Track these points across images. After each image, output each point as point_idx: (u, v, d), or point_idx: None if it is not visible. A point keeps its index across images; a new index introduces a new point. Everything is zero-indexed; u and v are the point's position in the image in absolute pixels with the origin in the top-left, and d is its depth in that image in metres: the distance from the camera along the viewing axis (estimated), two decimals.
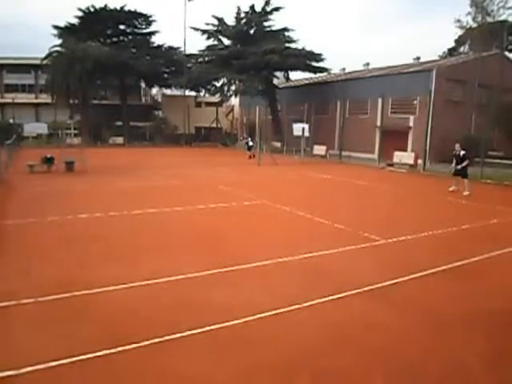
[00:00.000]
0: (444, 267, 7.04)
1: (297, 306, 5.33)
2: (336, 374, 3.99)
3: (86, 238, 8.48)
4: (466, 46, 45.84)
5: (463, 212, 12.51)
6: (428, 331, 4.90)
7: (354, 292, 5.86)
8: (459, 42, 47.00)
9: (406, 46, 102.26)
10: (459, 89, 30.35)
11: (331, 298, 5.66)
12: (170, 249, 7.94)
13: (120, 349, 4.24)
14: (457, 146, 15.97)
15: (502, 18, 33.36)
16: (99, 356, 4.11)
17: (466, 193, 15.28)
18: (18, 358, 4.05)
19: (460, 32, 42.02)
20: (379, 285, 6.15)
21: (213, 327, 4.73)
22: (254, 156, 29.00)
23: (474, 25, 33.80)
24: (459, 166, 15.66)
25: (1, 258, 7.07)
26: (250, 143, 31.38)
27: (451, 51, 48.28)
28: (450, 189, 16.02)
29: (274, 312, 5.15)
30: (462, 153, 15.66)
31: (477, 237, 9.50)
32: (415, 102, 30.84)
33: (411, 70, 32.85)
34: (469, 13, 33.54)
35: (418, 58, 38.04)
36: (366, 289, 5.99)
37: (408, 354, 4.40)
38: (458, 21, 35.06)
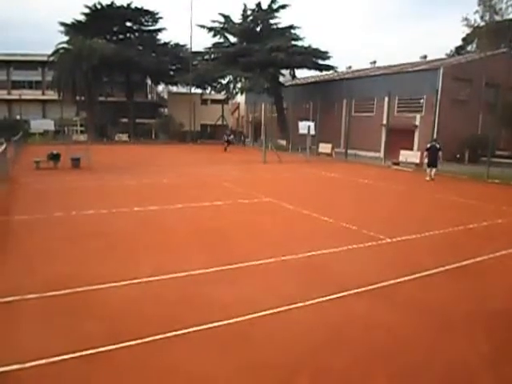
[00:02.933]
0: (448, 267, 7.01)
1: (299, 305, 5.33)
2: (337, 373, 3.99)
3: (89, 234, 8.52)
4: (474, 45, 45.53)
5: (469, 211, 12.44)
6: (431, 331, 4.89)
7: (356, 291, 5.85)
8: (467, 40, 46.67)
9: (413, 45, 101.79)
10: (466, 88, 30.14)
11: (334, 296, 5.65)
12: (173, 246, 7.96)
13: (122, 345, 4.27)
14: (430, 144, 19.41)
15: (511, 16, 33.05)
16: (102, 351, 4.14)
17: (428, 178, 18.73)
18: (22, 352, 4.10)
19: (468, 30, 41.71)
20: (382, 284, 6.14)
21: (214, 324, 4.75)
22: (225, 150, 33.98)
23: (482, 23, 33.50)
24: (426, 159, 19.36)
25: (6, 254, 7.13)
26: (230, 137, 36.63)
27: (458, 50, 47.98)
28: (428, 178, 18.73)
29: (275, 310, 5.16)
30: (429, 145, 19.13)
31: (482, 236, 9.45)
32: (422, 100, 30.68)
33: (418, 68, 32.69)
34: (477, 11, 33.25)
35: (425, 57, 37.87)
36: (369, 288, 5.97)
37: (410, 353, 4.40)
38: (466, 19, 34.73)
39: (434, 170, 18.98)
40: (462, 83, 29.77)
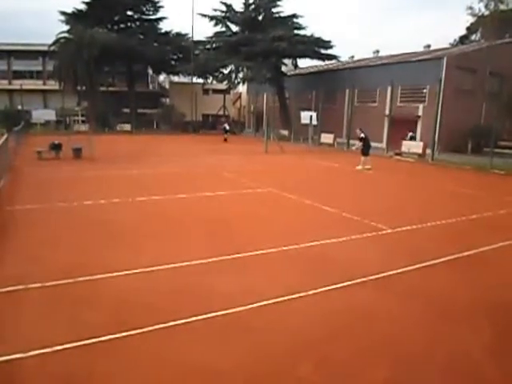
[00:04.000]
0: (450, 257, 6.99)
1: (301, 295, 5.33)
2: (339, 363, 3.99)
3: (92, 224, 8.52)
4: (478, 34, 45.14)
5: (471, 202, 12.40)
6: (433, 321, 4.88)
7: (359, 281, 5.84)
8: (471, 29, 46.30)
9: (417, 35, 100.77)
10: (470, 77, 29.92)
11: (336, 286, 5.64)
12: (175, 236, 7.95)
13: (124, 334, 4.28)
14: (357, 131, 19.74)
15: None
16: (103, 341, 4.15)
17: (359, 167, 18.64)
18: (25, 341, 4.11)
19: (472, 19, 41.32)
20: (385, 274, 6.13)
21: (216, 314, 4.75)
22: (225, 140, 33.84)
23: (487, 12, 33.17)
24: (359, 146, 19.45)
25: (9, 243, 7.14)
26: (227, 127, 36.05)
27: (462, 39, 47.59)
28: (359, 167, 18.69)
29: (277, 300, 5.16)
30: (362, 136, 19.09)
31: (484, 227, 9.41)
32: (425, 90, 30.48)
33: (421, 58, 32.41)
34: (481, 0, 32.91)
35: (429, 46, 37.53)
36: (371, 278, 5.97)
37: (412, 343, 4.39)
38: (470, 8, 34.44)
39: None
40: (465, 73, 29.54)
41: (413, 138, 27.03)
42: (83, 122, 43.35)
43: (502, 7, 32.91)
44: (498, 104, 22.43)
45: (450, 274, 6.36)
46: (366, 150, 18.96)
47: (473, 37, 46.64)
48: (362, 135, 19.13)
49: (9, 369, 3.75)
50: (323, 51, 39.71)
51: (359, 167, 18.69)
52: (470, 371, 3.97)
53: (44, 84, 51.59)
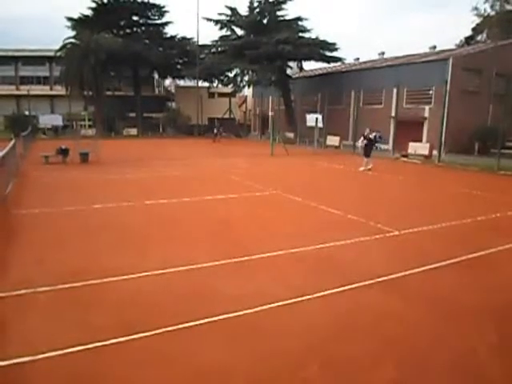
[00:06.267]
0: (457, 259, 6.96)
1: (308, 297, 5.33)
2: (347, 362, 4.00)
3: (99, 227, 8.58)
4: (484, 35, 44.95)
5: (478, 203, 12.33)
6: (439, 322, 4.87)
7: (365, 283, 5.83)
8: (476, 30, 46.09)
9: (423, 36, 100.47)
10: (476, 78, 29.77)
11: (343, 288, 5.64)
12: (183, 239, 7.99)
13: (134, 336, 4.30)
14: (368, 130, 19.38)
15: None
16: (112, 344, 4.18)
17: (361, 168, 18.62)
18: (34, 344, 4.14)
19: (478, 20, 41.15)
20: (391, 276, 6.11)
21: (224, 316, 4.76)
22: (214, 141, 37.24)
23: (493, 13, 33.01)
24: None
25: (18, 247, 7.20)
26: (215, 131, 39.31)
27: (468, 40, 47.38)
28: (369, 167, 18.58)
29: (285, 302, 5.16)
30: (370, 136, 18.96)
31: (491, 229, 9.35)
32: (431, 92, 30.37)
33: (427, 59, 32.32)
34: (487, 0, 32.76)
35: (434, 47, 37.41)
36: (378, 280, 5.95)
37: (418, 343, 4.38)
38: (476, 9, 34.29)
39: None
40: (471, 74, 29.40)
41: (379, 137, 26.25)
42: (90, 126, 43.65)
43: (508, 7, 32.75)
44: (505, 105, 22.29)
45: (457, 276, 6.33)
46: (368, 152, 18.95)
47: (479, 37, 46.44)
48: (371, 136, 19.07)
49: (19, 371, 3.78)
50: (328, 53, 39.71)
51: (362, 168, 18.70)
52: (475, 372, 3.95)
53: (51, 89, 52.05)
